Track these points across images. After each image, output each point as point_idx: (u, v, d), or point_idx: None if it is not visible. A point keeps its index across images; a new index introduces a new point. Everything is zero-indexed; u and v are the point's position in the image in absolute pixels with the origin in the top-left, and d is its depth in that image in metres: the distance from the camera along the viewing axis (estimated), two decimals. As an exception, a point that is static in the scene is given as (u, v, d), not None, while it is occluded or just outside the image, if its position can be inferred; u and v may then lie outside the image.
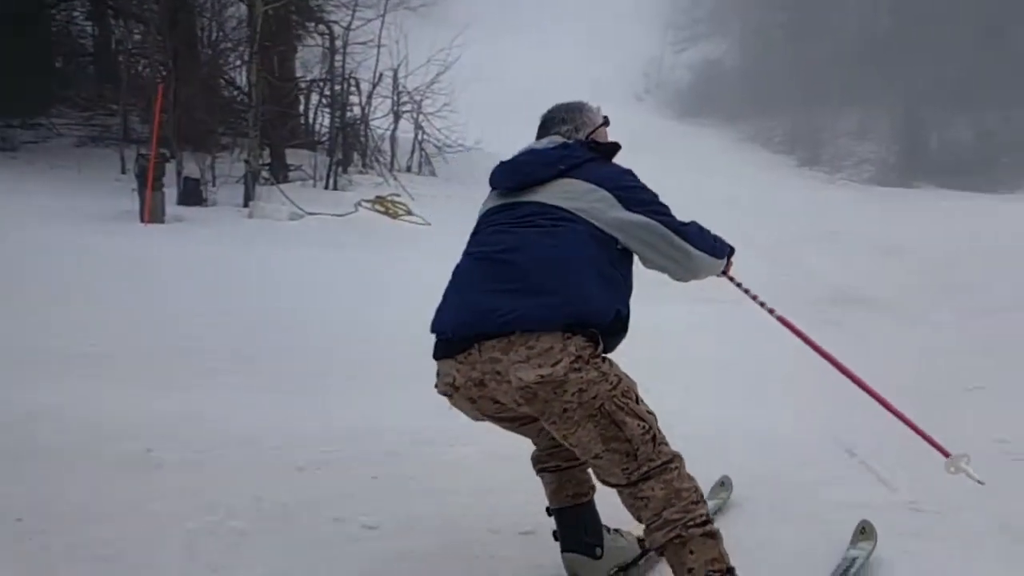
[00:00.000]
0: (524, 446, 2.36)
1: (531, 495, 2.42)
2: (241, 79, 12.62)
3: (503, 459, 2.80)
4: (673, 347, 5.27)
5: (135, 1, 12.78)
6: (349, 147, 12.08)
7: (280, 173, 11.29)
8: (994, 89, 22.36)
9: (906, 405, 2.43)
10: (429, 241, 9.79)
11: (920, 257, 9.43)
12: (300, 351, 4.90)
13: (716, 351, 5.49)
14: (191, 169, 10.50)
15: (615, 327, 2.00)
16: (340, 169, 11.63)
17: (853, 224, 11.97)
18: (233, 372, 4.36)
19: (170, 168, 9.93)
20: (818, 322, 3.79)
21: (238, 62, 12.44)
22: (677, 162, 19.29)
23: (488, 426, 2.20)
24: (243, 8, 12.22)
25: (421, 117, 12.68)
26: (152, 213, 9.10)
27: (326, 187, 11.38)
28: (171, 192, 9.77)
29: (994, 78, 22.34)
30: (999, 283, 7.68)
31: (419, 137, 12.77)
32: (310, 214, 10.07)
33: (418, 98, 12.57)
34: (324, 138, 12.58)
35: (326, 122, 12.64)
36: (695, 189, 14.64)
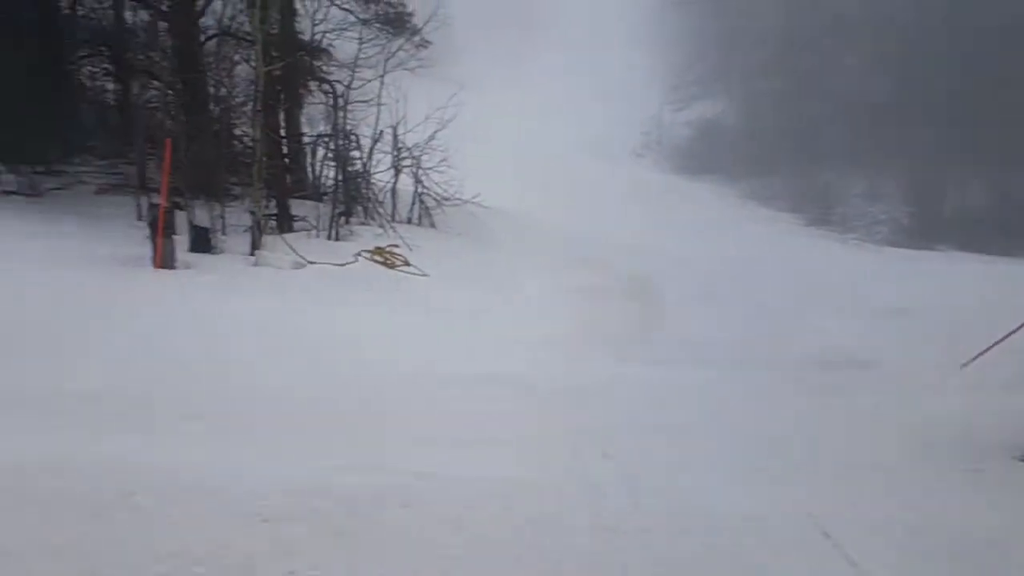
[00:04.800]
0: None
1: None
2: (249, 134, 13.28)
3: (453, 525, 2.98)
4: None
5: (150, 60, 13.57)
6: (351, 199, 12.66)
7: (285, 223, 11.83)
8: (1005, 148, 22.19)
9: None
10: (425, 292, 10.25)
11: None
12: (290, 399, 5.12)
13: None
14: (201, 218, 11.02)
15: None
16: (342, 220, 12.18)
17: (869, 284, 12.09)
18: (209, 418, 4.54)
19: (182, 217, 10.47)
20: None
21: (245, 118, 13.13)
22: (679, 216, 19.82)
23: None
24: (250, 68, 12.97)
25: (420, 171, 13.30)
26: (163, 259, 9.57)
27: (328, 237, 11.89)
28: (183, 239, 10.30)
29: (1002, 136, 22.18)
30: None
31: (418, 190, 13.36)
32: (312, 263, 10.54)
33: (417, 153, 13.22)
34: (328, 190, 13.18)
35: (330, 175, 13.24)
36: (699, 245, 15.12)
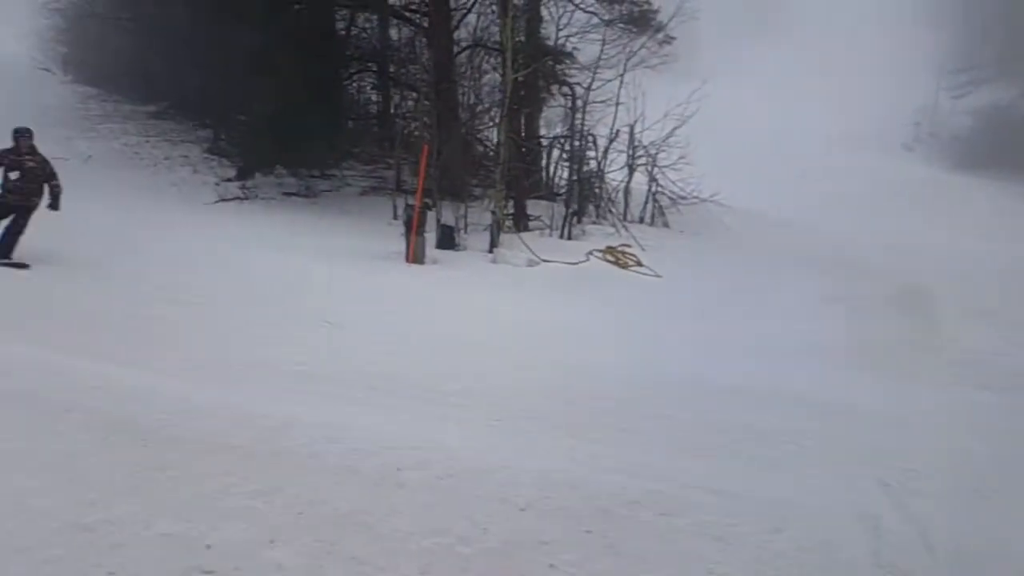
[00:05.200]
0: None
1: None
2: (493, 138, 13.94)
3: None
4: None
5: (410, 73, 14.80)
6: (584, 199, 12.70)
7: (521, 222, 12.20)
8: None
9: None
10: (659, 294, 9.92)
11: None
12: (545, 395, 5.21)
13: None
14: (447, 217, 11.78)
15: None
16: (575, 219, 12.26)
17: None
18: (468, 404, 4.78)
19: (431, 216, 11.26)
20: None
21: (491, 123, 13.79)
22: (958, 217, 17.25)
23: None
24: (497, 76, 13.59)
25: (656, 169, 12.96)
26: (415, 255, 10.38)
27: (561, 236, 12.05)
28: (431, 237, 11.07)
29: None
30: None
31: (653, 189, 13.03)
32: (545, 261, 10.75)
33: (653, 151, 12.89)
34: (562, 190, 13.36)
35: (565, 175, 13.41)
36: (982, 251, 12.89)
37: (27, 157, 7.63)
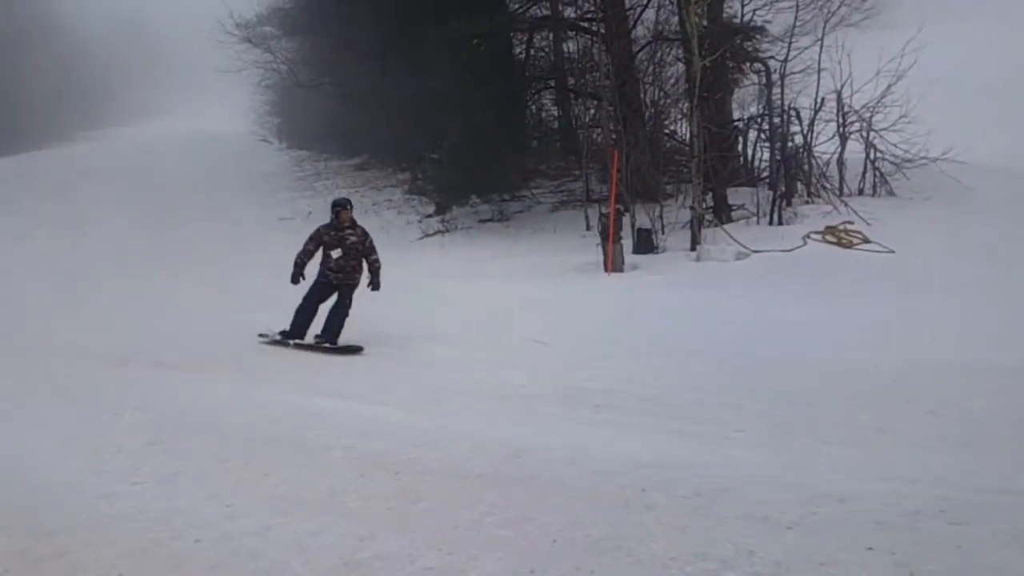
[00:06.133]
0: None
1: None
2: (681, 130, 13.35)
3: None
4: None
5: (590, 82, 14.71)
6: (792, 179, 11.69)
7: (723, 214, 11.51)
8: None
9: None
10: (895, 271, 8.83)
11: None
12: (778, 395, 4.82)
13: None
14: (642, 220, 11.43)
15: None
16: (784, 203, 11.32)
17: None
18: (703, 416, 4.51)
19: (625, 221, 10.98)
20: None
21: (678, 115, 13.22)
22: None
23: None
24: (679, 66, 13.01)
25: (872, 135, 11.59)
26: (613, 263, 10.17)
27: (770, 223, 11.17)
28: (627, 243, 10.79)
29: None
30: None
31: (871, 156, 11.67)
32: (756, 252, 10.00)
33: (867, 115, 11.54)
34: (764, 174, 12.43)
35: (765, 157, 12.48)
36: None
37: (348, 232, 7.07)
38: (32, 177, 21.13)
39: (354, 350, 6.78)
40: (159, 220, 15.39)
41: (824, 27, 11.74)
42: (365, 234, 7.19)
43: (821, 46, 11.60)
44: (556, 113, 16.47)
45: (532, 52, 15.66)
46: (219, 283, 10.72)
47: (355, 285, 7.09)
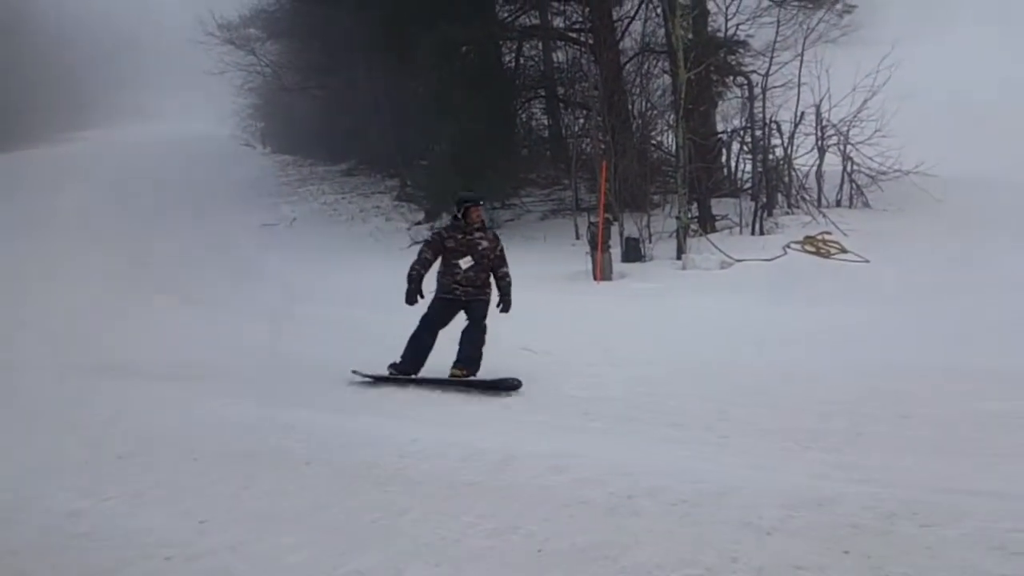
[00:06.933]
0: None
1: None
2: (667, 141, 13.70)
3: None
4: None
5: (579, 92, 15.00)
6: (773, 190, 12.11)
7: (708, 224, 11.87)
8: None
9: None
10: (870, 279, 9.20)
11: None
12: (761, 401, 4.93)
13: None
14: (630, 229, 11.73)
15: None
16: (765, 213, 11.72)
17: None
18: (688, 423, 4.60)
19: (614, 230, 11.28)
20: None
21: (664, 127, 13.57)
22: None
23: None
24: (666, 78, 13.37)
25: (849, 148, 12.05)
26: (603, 272, 10.44)
27: (752, 232, 11.54)
28: (616, 252, 11.08)
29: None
30: None
31: (848, 168, 12.12)
32: (739, 261, 10.35)
33: (844, 128, 11.99)
34: (747, 184, 12.83)
35: (748, 168, 12.88)
36: None
37: (479, 235, 5.62)
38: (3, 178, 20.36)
39: (511, 385, 5.32)
40: (135, 227, 15.04)
41: (804, 42, 12.16)
42: (496, 239, 5.77)
43: (801, 61, 12.03)
44: (546, 122, 16.71)
45: (522, 61, 15.87)
46: (192, 289, 10.66)
47: (487, 302, 5.67)
